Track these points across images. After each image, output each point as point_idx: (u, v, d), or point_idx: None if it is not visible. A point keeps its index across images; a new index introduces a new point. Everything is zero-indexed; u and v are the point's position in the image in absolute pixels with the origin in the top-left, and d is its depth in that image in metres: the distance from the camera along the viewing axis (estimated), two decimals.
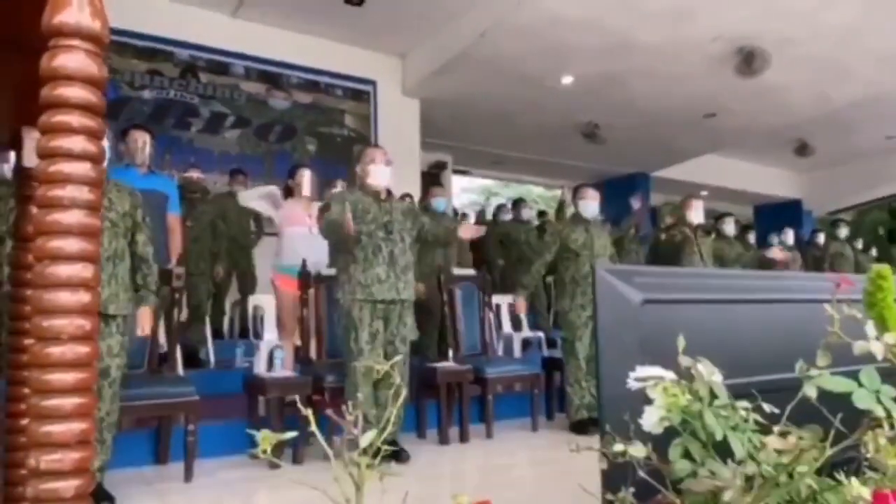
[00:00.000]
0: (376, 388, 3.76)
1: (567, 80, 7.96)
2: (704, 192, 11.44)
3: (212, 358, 5.63)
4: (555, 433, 4.79)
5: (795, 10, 6.40)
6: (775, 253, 7.44)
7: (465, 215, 10.34)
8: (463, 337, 5.08)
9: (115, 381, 3.08)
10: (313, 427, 0.94)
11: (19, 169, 1.52)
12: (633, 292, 1.39)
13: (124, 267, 3.21)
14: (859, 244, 9.58)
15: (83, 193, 0.92)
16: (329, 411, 1.01)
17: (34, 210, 1.41)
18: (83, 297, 0.92)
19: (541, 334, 6.72)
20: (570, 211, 6.55)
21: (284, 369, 4.20)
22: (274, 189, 5.37)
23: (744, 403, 1.07)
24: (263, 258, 6.09)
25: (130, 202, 3.26)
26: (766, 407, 1.07)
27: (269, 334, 4.68)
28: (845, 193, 13.46)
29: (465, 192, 20.20)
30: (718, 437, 1.00)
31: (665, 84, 8.01)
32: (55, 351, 0.90)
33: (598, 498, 1.20)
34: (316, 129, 8.00)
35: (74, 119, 0.92)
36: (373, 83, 8.30)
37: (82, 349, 0.91)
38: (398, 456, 3.63)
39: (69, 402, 0.90)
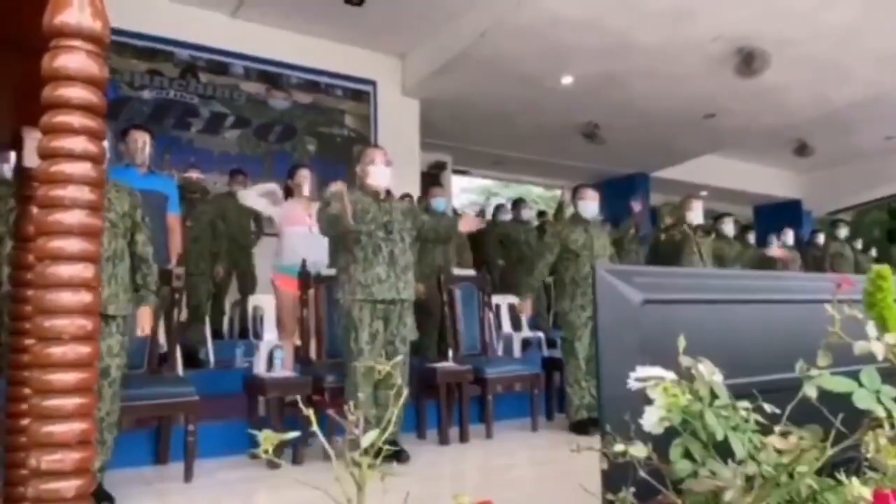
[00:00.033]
0: (376, 389, 3.76)
1: (567, 80, 7.96)
2: (704, 193, 11.43)
3: (211, 358, 5.64)
4: (555, 433, 4.79)
5: (795, 10, 6.41)
6: (775, 251, 7.45)
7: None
8: (463, 337, 5.08)
9: (116, 381, 3.08)
10: (315, 427, 0.94)
11: (20, 169, 1.52)
12: (634, 292, 1.39)
13: (124, 267, 3.21)
14: (859, 244, 9.58)
15: (84, 194, 0.92)
16: (331, 411, 1.01)
17: (35, 210, 1.42)
18: (84, 297, 0.92)
19: (540, 334, 6.72)
20: (569, 211, 6.55)
21: (284, 369, 4.20)
22: (273, 186, 5.37)
23: (744, 403, 1.07)
24: (263, 258, 6.09)
25: (130, 202, 3.26)
26: (767, 407, 1.07)
27: (269, 334, 4.68)
28: (845, 194, 13.47)
29: (465, 192, 20.20)
30: (719, 437, 1.00)
31: (665, 84, 8.01)
32: (56, 351, 0.90)
33: (599, 498, 1.20)
34: (316, 129, 8.00)
35: (76, 119, 0.92)
36: (373, 83, 8.30)
37: (83, 349, 0.91)
38: (398, 456, 3.63)
39: (70, 402, 0.90)
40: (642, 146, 10.37)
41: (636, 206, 8.64)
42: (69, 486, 0.89)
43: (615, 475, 1.13)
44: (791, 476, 0.98)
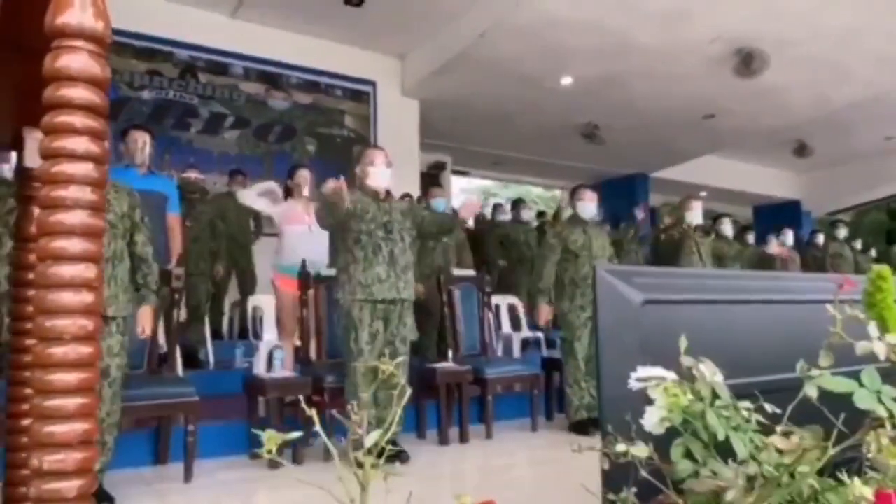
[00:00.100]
0: (376, 389, 3.76)
1: (566, 80, 7.97)
2: (703, 193, 11.45)
3: (211, 358, 5.63)
4: (554, 433, 4.79)
5: (794, 10, 6.41)
6: (774, 248, 7.45)
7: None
8: (462, 337, 5.08)
9: (116, 382, 3.08)
10: (318, 427, 0.94)
11: (21, 169, 1.52)
12: (634, 293, 1.39)
13: (124, 268, 3.21)
14: (858, 245, 9.59)
15: (86, 194, 0.92)
16: (334, 411, 1.01)
17: (36, 210, 1.42)
18: (86, 297, 0.92)
19: (540, 335, 6.72)
20: (567, 212, 6.55)
21: (284, 370, 4.20)
22: (273, 185, 5.37)
23: (745, 404, 1.07)
24: (263, 256, 6.09)
25: (129, 203, 3.26)
26: (768, 407, 1.07)
27: (269, 335, 4.68)
28: (844, 194, 13.48)
29: (465, 192, 20.14)
30: (720, 437, 1.01)
31: (664, 85, 8.02)
32: (58, 351, 0.90)
33: (600, 498, 1.20)
34: (315, 129, 8.01)
35: (77, 120, 0.92)
36: (372, 84, 8.30)
37: (85, 349, 0.91)
38: (399, 456, 3.63)
39: (72, 402, 0.90)
40: (642, 146, 10.38)
41: (639, 213, 8.68)
42: (71, 487, 0.89)
43: (616, 475, 1.13)
44: (792, 476, 0.98)
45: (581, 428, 4.64)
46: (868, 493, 0.94)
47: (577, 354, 4.74)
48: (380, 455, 0.93)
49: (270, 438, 0.89)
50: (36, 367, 0.91)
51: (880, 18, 6.58)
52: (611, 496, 1.13)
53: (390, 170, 4.07)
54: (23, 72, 1.18)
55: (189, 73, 7.29)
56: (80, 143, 0.93)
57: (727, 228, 7.00)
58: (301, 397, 3.81)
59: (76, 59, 0.93)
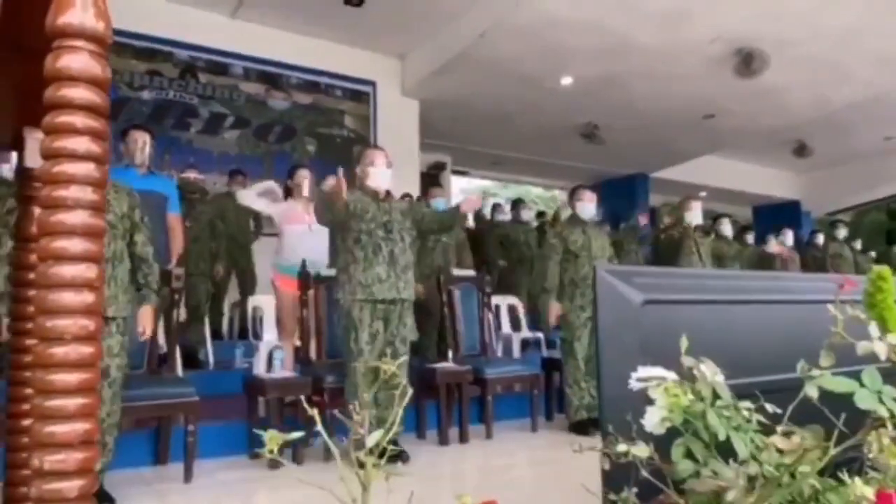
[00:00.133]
0: (377, 389, 3.76)
1: (566, 80, 7.97)
2: (703, 193, 11.45)
3: (211, 359, 5.63)
4: (554, 434, 4.80)
5: (794, 11, 6.41)
6: (774, 247, 7.46)
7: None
8: (462, 337, 5.08)
9: (116, 382, 3.08)
10: (319, 427, 0.94)
11: (21, 169, 1.52)
12: (634, 293, 1.39)
13: (123, 268, 3.21)
14: (858, 245, 9.59)
15: (87, 194, 0.92)
16: (336, 411, 1.02)
17: (37, 210, 1.42)
18: (87, 297, 0.92)
19: (540, 335, 6.72)
20: (566, 213, 6.55)
21: (284, 370, 4.20)
22: (272, 184, 5.36)
23: (746, 404, 1.07)
24: (263, 256, 6.09)
25: (128, 203, 3.26)
26: (769, 407, 1.08)
27: (269, 335, 4.68)
28: (844, 194, 13.48)
29: (465, 192, 20.13)
30: (721, 437, 1.01)
31: (664, 85, 8.02)
32: (59, 351, 0.90)
33: (600, 498, 1.20)
34: (315, 129, 8.00)
35: (78, 120, 0.93)
36: (372, 84, 8.30)
37: (86, 349, 0.91)
38: (399, 457, 3.62)
39: (73, 402, 0.90)
40: (642, 147, 10.38)
41: (642, 219, 8.69)
42: (72, 487, 0.89)
43: (616, 475, 1.13)
44: (793, 476, 0.98)
45: (581, 428, 4.64)
46: (869, 493, 0.94)
47: (576, 354, 4.74)
48: (381, 455, 0.93)
49: (272, 438, 0.89)
50: (37, 367, 0.91)
51: (880, 19, 6.58)
52: (611, 496, 1.13)
53: (390, 170, 4.07)
54: (23, 72, 1.18)
55: (189, 74, 7.29)
56: (81, 144, 0.93)
57: (726, 229, 7.01)
58: (302, 397, 3.81)
59: (77, 60, 0.93)
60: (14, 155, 1.73)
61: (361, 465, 0.93)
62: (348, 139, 8.12)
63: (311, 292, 4.37)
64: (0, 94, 1.38)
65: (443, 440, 4.39)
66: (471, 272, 6.00)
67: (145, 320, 3.34)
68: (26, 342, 1.43)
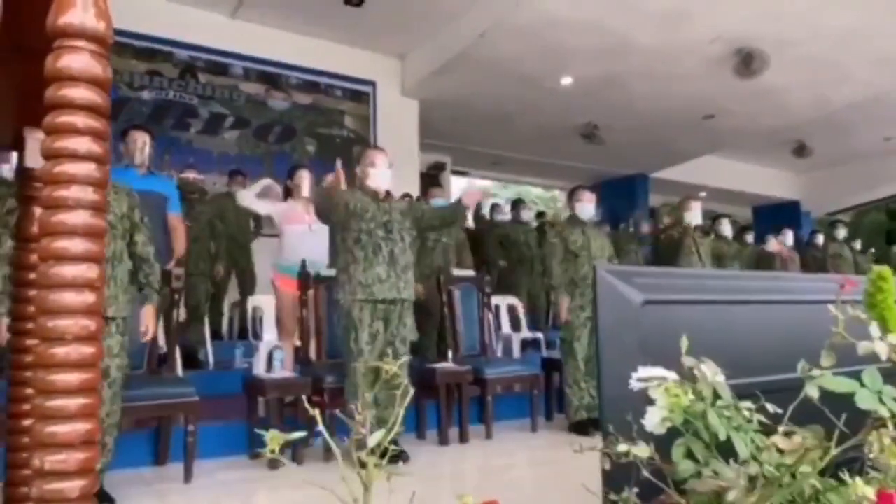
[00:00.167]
0: (377, 389, 3.75)
1: (566, 81, 7.97)
2: (703, 193, 11.45)
3: (211, 359, 5.63)
4: (554, 434, 4.79)
5: (794, 11, 6.41)
6: (773, 246, 7.46)
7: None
8: (462, 338, 5.08)
9: (116, 382, 3.08)
10: (321, 427, 0.94)
11: (21, 169, 1.52)
12: (634, 293, 1.39)
13: (123, 269, 3.21)
14: (858, 245, 9.60)
15: (88, 194, 0.92)
16: (338, 411, 1.02)
17: (37, 210, 1.42)
18: (88, 297, 0.92)
19: (540, 335, 6.72)
20: (565, 214, 6.56)
21: (284, 370, 4.20)
22: (270, 182, 5.34)
23: (747, 404, 1.07)
24: (263, 256, 6.09)
25: (128, 203, 3.25)
26: (769, 407, 1.08)
27: (269, 335, 4.68)
28: (843, 194, 13.48)
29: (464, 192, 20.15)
30: (722, 437, 1.01)
31: (664, 85, 8.02)
32: (60, 351, 0.90)
33: (601, 498, 1.20)
34: (315, 129, 8.00)
35: (79, 120, 0.93)
36: (372, 84, 8.30)
37: (87, 350, 0.91)
38: (399, 457, 3.62)
39: (74, 402, 0.90)
40: (641, 147, 10.38)
41: (645, 227, 8.71)
42: (73, 487, 0.89)
43: (617, 475, 1.13)
44: (794, 476, 0.98)
45: (581, 428, 4.64)
46: (870, 493, 0.94)
47: (576, 355, 4.74)
48: (383, 455, 0.93)
49: (274, 438, 0.89)
50: (38, 368, 0.92)
51: (880, 19, 6.58)
52: (612, 496, 1.13)
53: (391, 171, 4.07)
54: (23, 72, 1.18)
55: (189, 74, 7.29)
56: (82, 144, 0.93)
57: (726, 229, 7.01)
58: (304, 397, 3.81)
59: (78, 60, 0.93)
60: (14, 155, 1.73)
61: (363, 465, 0.93)
62: (348, 139, 8.11)
63: (310, 292, 4.37)
64: (0, 93, 1.38)
65: (443, 440, 4.39)
66: (471, 272, 6.00)
67: (148, 320, 3.34)
68: (27, 342, 1.43)
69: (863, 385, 1.01)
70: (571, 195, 5.27)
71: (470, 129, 9.65)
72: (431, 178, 10.12)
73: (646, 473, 1.05)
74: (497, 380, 4.72)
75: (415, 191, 7.79)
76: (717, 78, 7.65)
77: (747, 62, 7.16)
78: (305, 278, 4.36)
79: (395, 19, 7.27)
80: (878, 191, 13.12)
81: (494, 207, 8.90)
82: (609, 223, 9.14)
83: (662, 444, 1.07)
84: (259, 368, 4.38)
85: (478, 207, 8.81)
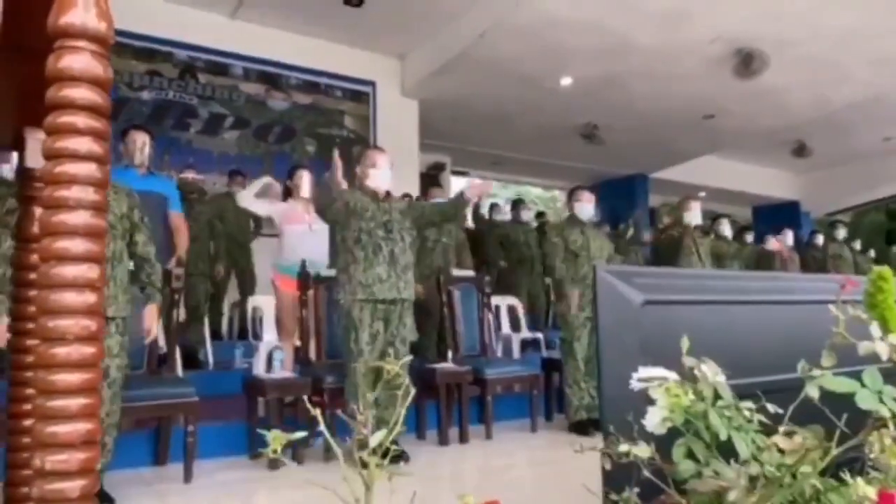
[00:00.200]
0: (375, 389, 3.75)
1: (566, 81, 7.97)
2: (703, 194, 11.46)
3: (211, 359, 5.63)
4: (554, 434, 4.80)
5: (794, 11, 6.42)
6: (772, 244, 7.46)
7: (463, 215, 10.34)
8: (462, 338, 5.08)
9: (115, 382, 3.08)
10: (322, 428, 0.94)
11: (22, 170, 1.52)
12: (634, 293, 1.39)
13: (123, 269, 3.21)
14: (857, 245, 9.60)
15: (89, 194, 0.92)
16: (339, 411, 1.02)
17: (38, 211, 1.42)
18: (89, 297, 0.92)
19: (539, 335, 6.73)
20: (564, 214, 6.56)
21: (284, 370, 4.20)
22: (268, 179, 5.33)
23: (747, 404, 1.07)
24: (263, 256, 6.09)
25: (128, 203, 3.26)
26: (770, 408, 1.08)
27: (269, 335, 4.68)
28: (843, 195, 13.48)
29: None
30: (723, 437, 1.01)
31: (664, 85, 8.02)
32: (61, 352, 0.90)
33: (601, 498, 1.20)
34: (315, 129, 8.00)
35: (80, 120, 0.93)
36: (372, 84, 8.30)
37: (88, 350, 0.91)
38: (399, 457, 3.62)
39: (75, 402, 0.90)
40: (641, 147, 10.38)
41: (647, 236, 8.71)
42: (74, 487, 0.89)
43: (618, 475, 1.13)
44: (794, 476, 0.98)
45: (581, 428, 4.64)
46: (871, 493, 0.94)
47: (576, 355, 4.75)
48: (384, 455, 0.93)
49: (276, 438, 0.89)
50: (39, 368, 0.92)
51: (880, 19, 6.59)
52: (613, 496, 1.13)
53: (391, 171, 4.08)
54: (24, 72, 1.18)
55: (189, 74, 7.29)
56: (83, 144, 0.93)
57: (725, 229, 7.01)
58: (306, 398, 3.81)
59: (79, 60, 0.93)
60: (14, 155, 1.73)
61: (365, 465, 0.93)
62: (348, 139, 8.11)
63: (310, 292, 4.37)
64: (0, 93, 1.38)
65: (442, 440, 4.39)
66: (470, 273, 6.01)
67: (150, 320, 3.33)
68: (27, 342, 1.43)
69: (863, 385, 1.01)
70: (571, 195, 5.28)
71: (470, 129, 9.65)
72: (431, 179, 10.12)
73: (646, 473, 1.05)
74: (497, 380, 4.72)
75: (414, 191, 7.79)
76: (717, 78, 7.65)
77: (747, 62, 7.16)
78: (305, 278, 4.36)
79: (395, 19, 7.27)
80: (878, 191, 13.13)
81: (493, 207, 8.90)
82: (609, 223, 9.14)
83: (663, 444, 1.07)
84: (259, 369, 4.38)
85: (476, 207, 8.82)
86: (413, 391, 1.02)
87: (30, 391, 1.29)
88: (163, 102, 7.12)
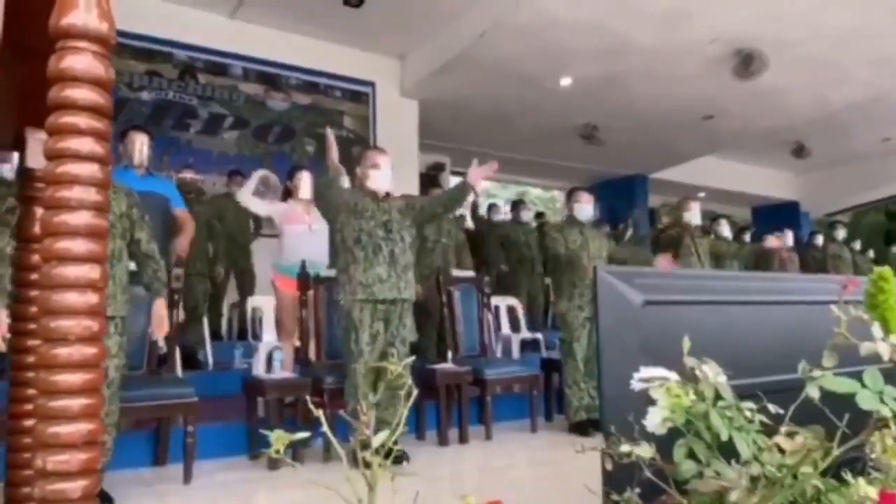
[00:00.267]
0: (376, 390, 3.76)
1: (566, 81, 7.97)
2: (702, 194, 11.46)
3: (210, 359, 5.63)
4: (554, 434, 4.80)
5: (794, 11, 6.42)
6: (771, 242, 7.47)
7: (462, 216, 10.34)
8: (462, 338, 5.08)
9: (114, 382, 3.08)
10: (325, 428, 0.94)
11: (23, 170, 1.52)
12: (634, 294, 1.39)
13: (122, 268, 3.21)
14: (857, 246, 9.60)
15: (91, 195, 0.92)
16: (341, 412, 1.02)
17: (39, 211, 1.42)
18: (91, 298, 0.92)
19: (539, 336, 6.73)
20: (564, 213, 6.57)
21: (283, 371, 4.20)
22: (264, 173, 5.30)
23: (748, 404, 1.07)
24: (262, 256, 6.09)
25: (127, 203, 3.25)
26: (771, 408, 1.08)
27: (268, 335, 4.68)
28: (842, 195, 13.49)
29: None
30: (724, 437, 1.01)
31: (663, 86, 8.02)
32: (63, 352, 0.90)
33: (601, 498, 1.20)
34: (315, 130, 7.99)
35: (82, 120, 0.93)
36: (371, 84, 8.29)
37: (89, 350, 0.92)
38: (400, 457, 3.62)
39: (76, 402, 0.90)
40: (641, 147, 10.38)
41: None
42: (75, 487, 0.89)
43: (618, 476, 1.13)
44: (795, 477, 0.98)
45: (580, 429, 4.64)
46: (873, 493, 0.94)
47: (575, 355, 4.75)
48: (387, 455, 0.93)
49: (279, 438, 0.89)
50: (40, 368, 0.92)
51: (880, 19, 6.59)
52: (614, 496, 1.13)
53: (391, 172, 4.08)
54: (24, 72, 1.18)
55: (188, 74, 7.28)
56: (85, 144, 0.93)
57: (724, 230, 7.02)
58: (308, 398, 3.82)
59: (80, 60, 0.93)
60: (15, 155, 1.73)
61: (367, 466, 0.93)
62: (348, 140, 8.10)
63: (310, 293, 4.37)
64: (1, 94, 1.38)
65: (442, 441, 4.39)
66: (470, 273, 6.01)
67: (161, 311, 3.31)
68: (28, 343, 1.43)
69: (864, 385, 1.02)
70: (570, 196, 5.29)
71: (470, 129, 9.64)
72: (431, 179, 10.11)
73: (647, 474, 1.05)
74: (497, 380, 4.72)
75: (414, 191, 7.78)
76: (717, 78, 7.65)
77: (746, 63, 7.17)
78: (305, 279, 4.36)
79: (395, 19, 7.27)
80: (877, 191, 13.13)
81: (492, 208, 8.90)
82: (608, 224, 9.14)
83: (663, 444, 1.07)
84: (258, 369, 4.38)
85: (476, 207, 8.82)
86: (416, 392, 1.02)
87: (31, 391, 1.29)
88: (162, 103, 7.11)
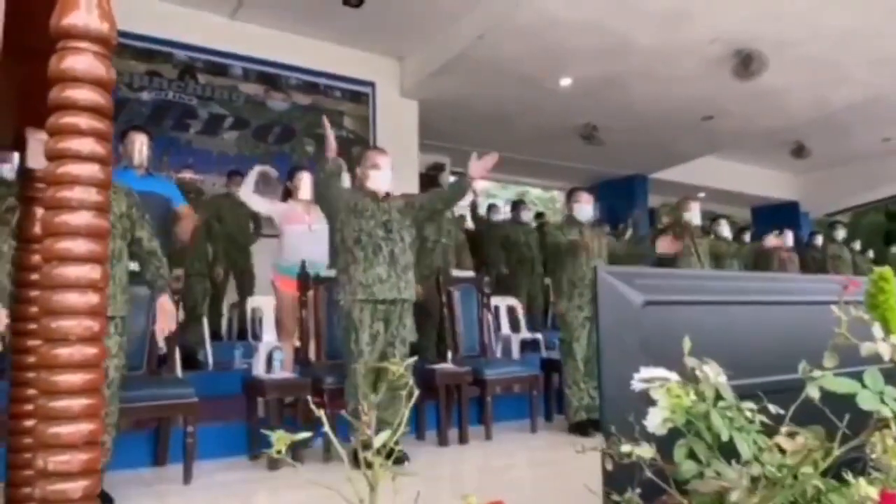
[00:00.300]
0: (376, 390, 3.76)
1: (566, 81, 7.97)
2: (702, 194, 11.47)
3: (210, 359, 5.63)
4: (554, 434, 4.80)
5: (793, 11, 6.42)
6: (771, 241, 7.47)
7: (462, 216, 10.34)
8: (462, 338, 5.08)
9: (114, 382, 3.08)
10: (327, 429, 0.94)
11: (23, 170, 1.52)
12: (635, 294, 1.39)
13: (121, 268, 3.21)
14: (857, 246, 9.60)
15: (91, 195, 0.92)
16: (343, 412, 1.02)
17: (39, 211, 1.42)
18: (91, 298, 0.92)
19: (539, 336, 6.73)
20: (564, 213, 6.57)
21: (283, 371, 4.20)
22: (262, 168, 5.29)
23: (748, 404, 1.07)
24: (262, 256, 6.09)
25: (127, 203, 3.26)
26: (771, 408, 1.08)
27: (268, 336, 4.68)
28: (842, 195, 13.49)
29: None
30: (724, 437, 1.01)
31: (663, 86, 8.03)
32: (63, 352, 0.90)
33: (601, 498, 1.20)
34: (314, 130, 7.98)
35: (83, 121, 0.93)
36: (371, 85, 8.30)
37: (90, 350, 0.91)
38: (400, 457, 3.62)
39: (77, 403, 0.90)
40: (641, 148, 10.38)
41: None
42: (76, 487, 0.89)
43: (619, 476, 1.13)
44: (796, 477, 0.98)
45: (580, 429, 4.64)
46: (873, 493, 0.94)
47: (575, 355, 4.75)
48: (388, 456, 0.93)
49: (280, 438, 0.89)
50: (41, 368, 0.92)
51: (880, 19, 6.59)
52: (614, 497, 1.13)
53: (391, 172, 4.08)
54: (25, 72, 1.18)
55: (188, 74, 7.28)
56: (86, 145, 0.93)
57: (724, 230, 7.02)
58: (308, 398, 3.81)
59: (81, 61, 0.93)
60: (15, 155, 1.73)
61: (369, 466, 0.93)
62: (347, 140, 8.10)
63: (310, 293, 4.37)
64: (1, 94, 1.38)
65: (442, 441, 4.39)
66: (470, 273, 6.01)
67: (166, 307, 3.29)
68: (28, 343, 1.43)
69: (864, 386, 1.02)
70: (569, 196, 5.29)
71: (469, 129, 9.64)
72: (431, 179, 10.12)
73: (648, 474, 1.05)
74: (496, 380, 4.72)
75: (414, 191, 7.77)
76: (717, 79, 7.66)
77: (746, 63, 7.17)
78: (305, 279, 4.36)
79: (395, 20, 7.27)
80: (877, 192, 13.14)
81: (492, 208, 8.90)
82: (608, 224, 9.14)
83: (664, 444, 1.07)
84: (258, 369, 4.39)
85: (475, 207, 8.82)
86: (417, 392, 1.02)
87: (31, 392, 1.29)
88: (162, 103, 7.11)
